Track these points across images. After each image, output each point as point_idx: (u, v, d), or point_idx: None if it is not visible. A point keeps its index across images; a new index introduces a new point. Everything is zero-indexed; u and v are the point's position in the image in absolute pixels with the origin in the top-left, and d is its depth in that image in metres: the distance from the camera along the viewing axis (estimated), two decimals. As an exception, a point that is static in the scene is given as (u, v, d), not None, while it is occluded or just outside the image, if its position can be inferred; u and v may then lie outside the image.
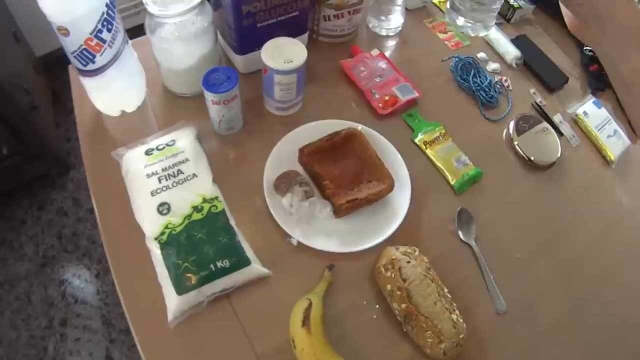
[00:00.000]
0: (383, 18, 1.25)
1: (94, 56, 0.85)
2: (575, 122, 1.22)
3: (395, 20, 1.26)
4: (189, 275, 0.78)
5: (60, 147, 2.36)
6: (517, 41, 1.32)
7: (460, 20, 0.98)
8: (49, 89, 2.42)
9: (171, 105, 1.05)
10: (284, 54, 0.93)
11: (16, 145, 1.96)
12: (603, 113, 1.24)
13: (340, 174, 0.94)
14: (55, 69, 2.32)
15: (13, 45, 2.11)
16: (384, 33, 1.27)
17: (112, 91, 0.96)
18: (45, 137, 2.09)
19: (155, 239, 0.82)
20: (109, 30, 0.84)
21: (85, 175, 0.94)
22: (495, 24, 1.36)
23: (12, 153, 1.98)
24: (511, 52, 1.28)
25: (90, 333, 1.97)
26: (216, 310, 0.80)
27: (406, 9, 1.29)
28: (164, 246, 0.81)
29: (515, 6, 1.37)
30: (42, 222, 2.23)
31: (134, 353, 1.91)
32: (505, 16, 1.41)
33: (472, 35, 1.00)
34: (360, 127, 1.01)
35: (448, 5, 1.01)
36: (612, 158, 1.16)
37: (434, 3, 1.39)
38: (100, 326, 1.98)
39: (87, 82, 0.93)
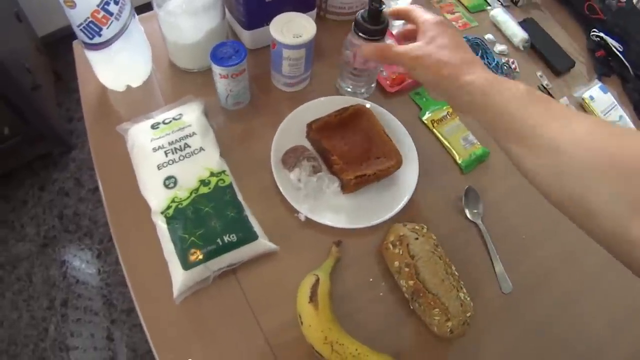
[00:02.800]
0: (391, -3, 1.24)
1: (101, 29, 0.84)
2: (582, 106, 1.22)
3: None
4: (195, 250, 0.78)
5: (62, 127, 2.35)
6: (524, 24, 1.32)
7: (347, 85, 1.02)
8: (51, 69, 2.41)
9: (177, 81, 1.04)
10: (292, 28, 0.92)
11: (18, 125, 1.96)
12: (609, 98, 1.23)
13: (348, 149, 0.93)
14: (57, 49, 2.32)
15: (15, 25, 2.10)
16: (392, 12, 1.26)
17: (117, 65, 0.95)
18: (47, 117, 2.08)
19: (162, 213, 0.81)
20: (116, 3, 0.83)
21: (87, 156, 0.94)
22: (503, 6, 1.36)
23: (14, 133, 1.98)
24: (518, 35, 1.27)
25: (92, 314, 1.97)
26: (222, 285, 0.80)
27: (413, -10, 1.28)
28: (170, 220, 0.80)
29: (523, -12, 1.36)
30: (43, 203, 2.22)
31: (135, 333, 1.92)
32: (513, -1, 1.40)
33: (359, 96, 1.03)
34: (368, 104, 1.00)
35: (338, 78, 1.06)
36: (618, 142, 1.15)
37: (441, -17, 1.38)
38: (101, 307, 1.99)
39: (93, 56, 0.92)
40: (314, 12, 1.11)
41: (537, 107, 0.62)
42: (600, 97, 1.22)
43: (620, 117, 1.21)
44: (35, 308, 1.97)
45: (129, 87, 1.01)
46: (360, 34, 0.89)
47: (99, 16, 0.82)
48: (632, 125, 1.20)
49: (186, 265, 0.77)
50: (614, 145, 0.53)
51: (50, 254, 2.10)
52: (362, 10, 0.88)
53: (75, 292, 2.02)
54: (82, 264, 2.09)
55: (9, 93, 1.81)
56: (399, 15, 0.81)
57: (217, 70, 0.89)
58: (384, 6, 0.85)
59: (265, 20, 0.96)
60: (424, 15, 0.75)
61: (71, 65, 1.03)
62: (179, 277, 0.77)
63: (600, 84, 1.25)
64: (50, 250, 2.11)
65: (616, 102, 1.23)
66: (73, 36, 0.89)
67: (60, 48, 2.37)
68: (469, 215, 0.94)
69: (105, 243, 2.12)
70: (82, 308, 1.98)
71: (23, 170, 2.28)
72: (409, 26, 0.80)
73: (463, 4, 1.35)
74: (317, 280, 0.77)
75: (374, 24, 0.87)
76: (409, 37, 0.79)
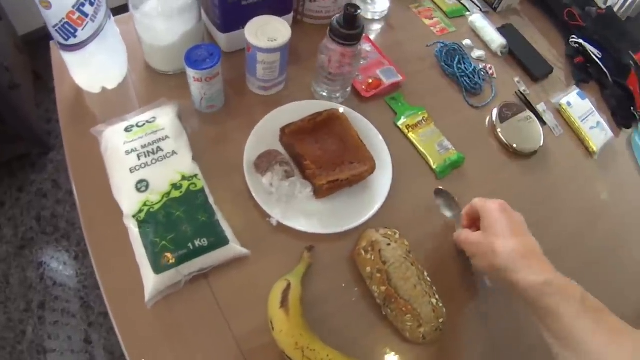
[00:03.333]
0: (369, 1, 1.24)
1: (76, 30, 0.84)
2: (559, 112, 1.23)
3: (381, 3, 1.25)
4: (166, 254, 0.77)
5: (41, 127, 2.33)
6: (503, 30, 1.33)
7: (322, 90, 1.03)
8: (30, 69, 2.39)
9: (152, 83, 1.04)
10: (267, 32, 0.92)
11: (-5, 124, 1.93)
12: (587, 105, 1.24)
13: (321, 154, 0.93)
14: (37, 49, 2.28)
15: (-6, 23, 2.08)
16: (369, 16, 1.26)
17: (93, 67, 0.94)
18: (25, 117, 2.06)
19: (134, 216, 0.80)
20: (92, 4, 0.82)
21: (65, 157, 0.93)
22: (482, 11, 1.37)
23: (-9, 132, 1.95)
24: (496, 41, 1.28)
25: (69, 316, 1.95)
26: (194, 290, 0.80)
27: (393, -6, 1.29)
28: (141, 224, 0.80)
29: (503, -5, 1.37)
30: (21, 204, 2.20)
31: (112, 336, 1.90)
32: (492, 5, 1.41)
33: (334, 100, 1.05)
34: (342, 108, 1.00)
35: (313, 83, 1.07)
36: (595, 149, 1.17)
37: (421, -12, 1.39)
38: (79, 309, 1.97)
39: (68, 57, 0.92)
40: (291, 15, 1.11)
41: (587, 319, 0.64)
42: (578, 103, 1.24)
43: (598, 123, 1.22)
44: (12, 310, 1.95)
45: (104, 89, 1.00)
46: (335, 38, 0.89)
47: (74, 17, 0.82)
48: (609, 131, 1.21)
49: (158, 269, 0.76)
50: None
51: (28, 256, 2.08)
52: (338, 15, 0.88)
53: (52, 295, 1.99)
54: (59, 266, 2.07)
55: (-15, 92, 1.79)
56: (472, 213, 0.85)
57: (191, 73, 0.89)
58: (359, 11, 0.85)
59: (241, 23, 0.96)
60: (485, 203, 0.81)
61: (51, 65, 1.03)
62: (150, 281, 0.76)
63: (578, 90, 1.27)
64: (28, 252, 2.09)
65: (594, 109, 1.24)
66: (52, 36, 0.88)
67: (40, 47, 2.32)
68: (447, 214, 0.95)
69: (83, 245, 2.09)
70: (60, 310, 1.96)
71: (0, 171, 2.25)
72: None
73: (442, 9, 1.35)
74: (289, 286, 0.77)
75: (350, 28, 0.87)
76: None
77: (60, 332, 1.92)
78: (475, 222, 0.84)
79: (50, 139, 2.36)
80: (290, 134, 0.93)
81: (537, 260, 0.71)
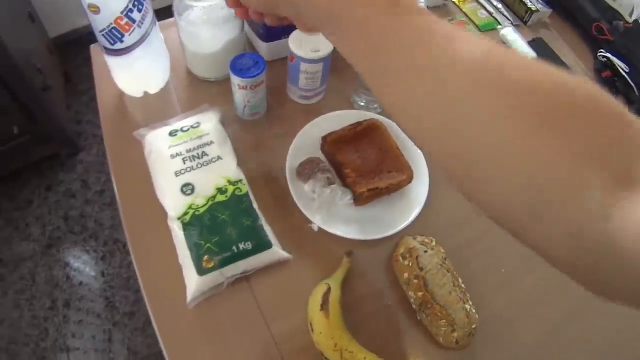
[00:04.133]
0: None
1: (123, 35, 0.86)
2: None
3: (417, 16, 1.27)
4: (210, 256, 0.79)
5: (71, 128, 2.35)
6: (533, 43, 1.34)
7: (361, 100, 1.07)
8: (62, 71, 2.42)
9: (194, 89, 1.06)
10: (311, 43, 0.94)
11: (27, 125, 1.97)
12: (615, 119, 1.25)
13: (361, 163, 0.95)
14: (67, 51, 2.33)
15: (28, 26, 2.12)
16: (404, 29, 1.27)
17: (137, 71, 0.97)
18: (56, 118, 2.09)
19: (179, 219, 0.83)
20: (140, 11, 0.85)
21: (95, 158, 0.95)
22: (513, 25, 1.38)
23: (23, 133, 1.99)
24: (527, 54, 1.29)
25: (94, 316, 1.98)
26: (235, 292, 0.81)
27: (427, 7, 1.30)
28: (186, 226, 0.82)
29: (533, 9, 1.38)
30: (49, 203, 2.23)
31: (136, 337, 1.93)
32: (523, 19, 1.42)
33: (372, 110, 1.07)
34: (381, 119, 1.02)
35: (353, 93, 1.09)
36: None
37: (453, 2, 1.40)
38: (104, 309, 1.99)
39: (113, 62, 0.94)
40: (331, 27, 1.12)
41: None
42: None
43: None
44: (37, 308, 1.98)
45: (146, 94, 1.03)
46: None
47: (122, 23, 0.84)
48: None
49: (201, 271, 0.78)
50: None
51: (55, 255, 2.11)
52: None
53: (78, 294, 2.02)
54: (86, 266, 2.10)
55: (20, 92, 1.82)
56: None
57: (236, 81, 0.91)
58: None
59: (283, 33, 0.99)
60: None
61: (81, 68, 1.05)
62: (193, 283, 0.78)
63: (605, 104, 1.27)
64: (55, 251, 2.12)
65: (621, 124, 1.25)
66: (84, 39, 0.90)
67: (70, 50, 2.41)
68: None
69: (110, 245, 2.12)
70: (85, 310, 1.99)
71: (30, 170, 2.28)
72: None
73: (475, 23, 1.37)
74: (329, 289, 0.78)
75: None
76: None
77: (85, 332, 1.94)
78: None
79: (80, 140, 2.39)
80: (332, 143, 0.94)
81: None
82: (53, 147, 2.24)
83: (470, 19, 1.38)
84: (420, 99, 0.43)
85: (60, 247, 2.13)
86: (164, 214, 0.85)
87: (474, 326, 0.80)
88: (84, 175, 2.32)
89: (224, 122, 0.97)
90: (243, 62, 0.91)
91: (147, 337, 1.92)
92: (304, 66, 0.95)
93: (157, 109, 1.02)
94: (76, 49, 2.38)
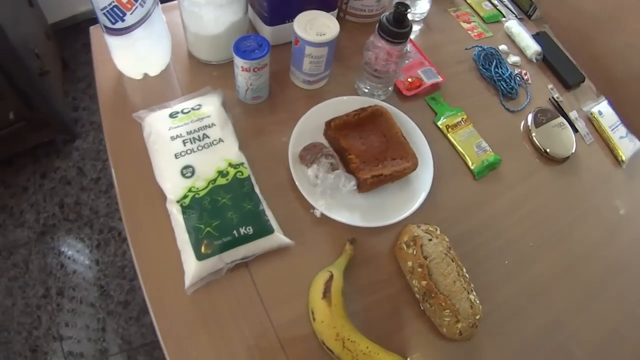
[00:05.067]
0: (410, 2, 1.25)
1: (125, 14, 0.84)
2: (590, 120, 1.23)
3: (422, 6, 1.26)
4: (210, 240, 0.77)
5: (68, 115, 2.34)
6: (537, 37, 1.33)
7: (365, 86, 1.06)
8: (59, 57, 2.39)
9: (195, 72, 1.05)
10: (316, 26, 0.93)
11: (23, 110, 1.95)
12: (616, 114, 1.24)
13: (365, 149, 0.94)
14: (65, 38, 2.31)
15: (26, 10, 2.09)
16: (410, 17, 1.26)
17: (137, 52, 0.95)
18: (53, 103, 2.07)
19: (178, 202, 0.81)
20: (142, -12, 0.83)
21: (91, 145, 0.94)
22: (518, 18, 1.37)
23: (19, 118, 1.97)
24: (532, 47, 1.29)
25: (87, 305, 1.96)
26: (234, 278, 0.80)
27: (433, -3, 1.30)
28: (186, 210, 0.80)
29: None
30: (44, 190, 2.21)
31: (130, 326, 1.91)
32: (527, 12, 1.41)
33: (376, 97, 1.06)
34: (385, 105, 1.01)
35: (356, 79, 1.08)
36: (624, 158, 1.17)
37: (458, -7, 1.39)
38: (97, 297, 1.97)
39: (113, 41, 0.92)
40: (335, 12, 1.11)
41: None
42: (608, 112, 1.24)
43: (627, 132, 1.22)
44: (30, 296, 1.96)
45: (146, 76, 1.01)
46: (384, 36, 0.89)
47: (124, 1, 0.82)
48: (637, 142, 1.21)
49: (200, 255, 0.76)
50: None
51: (49, 242, 2.09)
52: (387, 13, 0.88)
53: (71, 282, 2.00)
54: (80, 254, 2.08)
55: (17, 77, 1.80)
56: None
57: (239, 63, 0.90)
58: (409, 10, 0.86)
59: (287, 17, 0.97)
60: None
61: (79, 55, 1.04)
62: (192, 268, 0.76)
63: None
64: (49, 238, 2.10)
65: (624, 119, 1.24)
66: (82, 26, 0.88)
67: (68, 37, 2.39)
68: None
69: (105, 234, 2.10)
70: (78, 298, 1.97)
71: (25, 157, 2.26)
72: None
73: (479, 14, 1.36)
74: (331, 277, 0.77)
75: (399, 27, 0.88)
76: None
77: (78, 320, 1.92)
78: None
79: (76, 126, 2.37)
80: (336, 128, 0.93)
81: None
82: (49, 133, 2.22)
83: (474, 10, 1.37)
84: None
85: (54, 235, 2.11)
86: (162, 197, 0.83)
87: (477, 317, 0.78)
88: (80, 162, 2.29)
89: (225, 106, 0.96)
90: (247, 43, 0.89)
91: (141, 326, 1.91)
92: (308, 49, 0.94)
93: (156, 91, 1.00)
94: (74, 36, 2.36)
